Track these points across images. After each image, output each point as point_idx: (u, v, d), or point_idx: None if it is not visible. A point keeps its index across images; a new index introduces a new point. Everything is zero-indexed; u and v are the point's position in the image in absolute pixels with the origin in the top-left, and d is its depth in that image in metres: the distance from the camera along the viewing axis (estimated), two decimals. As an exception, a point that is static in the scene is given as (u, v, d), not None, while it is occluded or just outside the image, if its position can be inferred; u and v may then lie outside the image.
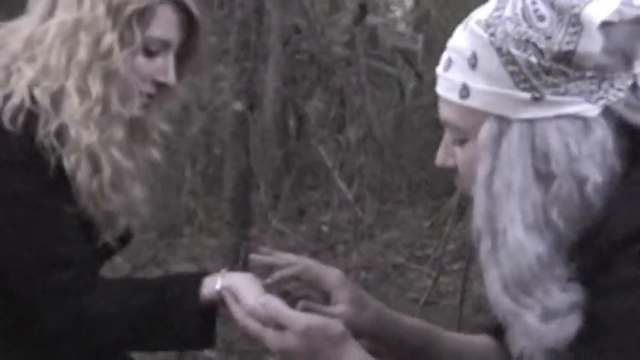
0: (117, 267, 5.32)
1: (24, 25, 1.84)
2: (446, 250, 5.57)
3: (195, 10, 1.86)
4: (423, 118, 8.21)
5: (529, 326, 1.24)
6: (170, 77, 1.85)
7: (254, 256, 1.67)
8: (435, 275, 5.38)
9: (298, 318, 1.42)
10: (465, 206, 5.70)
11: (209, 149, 7.57)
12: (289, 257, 1.67)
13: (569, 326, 1.22)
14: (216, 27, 8.11)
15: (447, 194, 6.68)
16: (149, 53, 1.82)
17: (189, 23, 1.87)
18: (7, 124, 1.72)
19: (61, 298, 1.71)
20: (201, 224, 6.80)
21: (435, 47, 8.54)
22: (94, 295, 1.72)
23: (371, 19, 7.93)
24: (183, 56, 1.90)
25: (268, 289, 1.60)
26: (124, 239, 1.92)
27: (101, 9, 1.77)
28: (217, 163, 7.12)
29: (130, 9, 1.77)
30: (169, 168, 7.03)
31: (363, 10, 7.44)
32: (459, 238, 5.93)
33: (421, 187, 7.61)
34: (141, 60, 1.81)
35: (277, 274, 1.61)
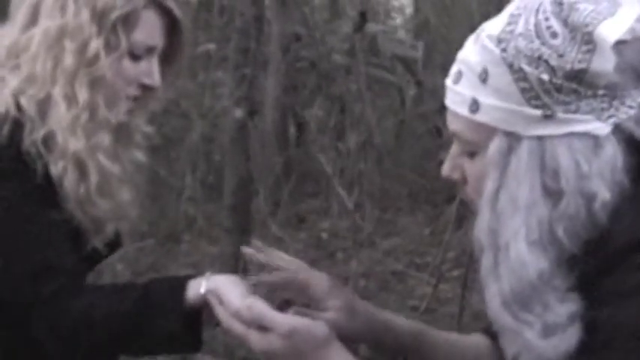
0: (117, 274, 5.33)
1: (6, 35, 1.84)
2: (445, 257, 5.58)
3: (178, 13, 1.86)
4: (422, 126, 8.22)
5: (529, 343, 1.23)
6: (155, 79, 1.85)
7: (246, 249, 1.67)
8: (435, 283, 5.39)
9: (282, 320, 1.42)
10: (464, 214, 5.70)
11: (209, 156, 7.58)
12: (282, 258, 1.66)
13: (569, 339, 1.21)
14: (217, 34, 8.13)
15: (447, 202, 6.69)
16: (134, 57, 1.83)
17: (172, 26, 1.88)
18: None
19: (50, 304, 1.71)
20: (200, 231, 6.80)
21: (435, 54, 8.56)
22: (81, 300, 1.72)
23: (371, 27, 7.94)
24: (166, 59, 1.90)
25: (256, 291, 1.59)
26: (114, 244, 1.92)
27: (85, 15, 1.77)
28: (217, 170, 7.13)
29: (114, 14, 1.77)
30: (169, 175, 7.05)
31: (363, 18, 7.46)
32: (459, 245, 5.93)
33: (421, 195, 7.62)
34: (126, 64, 1.82)
35: (264, 279, 1.60)
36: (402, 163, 7.94)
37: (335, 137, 7.96)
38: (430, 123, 7.92)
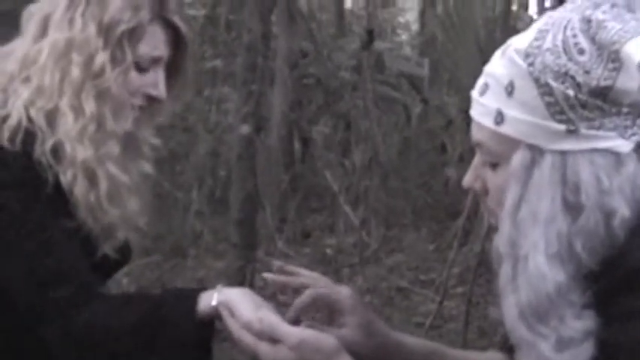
0: (123, 288, 5.34)
1: (18, 47, 1.88)
2: (450, 274, 5.57)
3: (183, 27, 1.90)
4: (428, 143, 8.22)
5: (543, 355, 1.24)
6: (161, 91, 1.89)
7: (267, 275, 1.68)
8: (440, 299, 5.39)
9: (292, 332, 1.44)
10: (469, 230, 5.71)
11: (215, 171, 7.59)
12: (302, 274, 1.67)
13: (583, 355, 1.22)
14: (223, 50, 8.15)
15: (452, 218, 6.69)
16: (140, 69, 1.86)
17: (177, 40, 1.91)
18: (5, 143, 1.75)
19: (60, 313, 1.72)
20: (207, 246, 6.81)
21: (441, 72, 8.57)
22: (92, 309, 1.74)
23: (377, 45, 7.96)
24: (171, 71, 1.94)
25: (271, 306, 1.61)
26: (125, 253, 1.94)
27: (92, 29, 1.81)
28: (224, 185, 7.14)
29: (120, 29, 1.81)
30: (175, 189, 7.06)
31: (370, 35, 7.48)
32: (464, 262, 5.93)
33: (426, 212, 7.61)
34: (132, 76, 1.85)
35: (292, 310, 1.61)
36: (408, 180, 7.94)
37: (341, 154, 7.97)
38: (436, 140, 7.93)
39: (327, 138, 8.11)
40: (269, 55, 5.75)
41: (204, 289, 1.73)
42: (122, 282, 5.50)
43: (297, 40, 7.81)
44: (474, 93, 1.34)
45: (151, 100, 1.89)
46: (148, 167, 1.98)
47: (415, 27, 11.87)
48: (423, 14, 10.60)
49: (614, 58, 1.21)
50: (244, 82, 5.25)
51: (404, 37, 12.28)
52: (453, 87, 7.63)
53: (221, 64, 7.96)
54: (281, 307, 1.63)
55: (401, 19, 13.19)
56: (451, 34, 7.03)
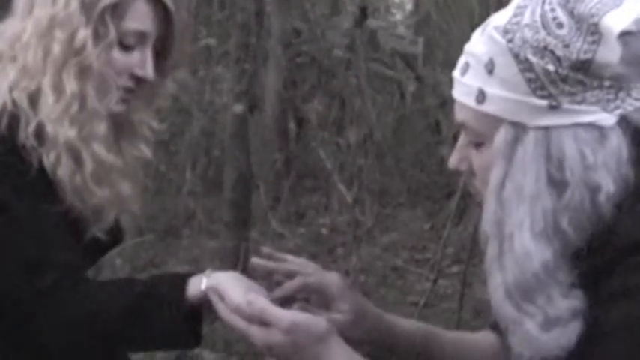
0: (116, 269, 5.33)
1: (8, 27, 1.85)
2: (445, 253, 5.57)
3: (169, 3, 1.84)
4: (422, 122, 8.22)
5: (529, 334, 1.23)
6: (148, 71, 1.84)
7: (254, 260, 1.68)
8: (434, 278, 5.39)
9: (283, 315, 1.43)
10: (464, 209, 5.71)
11: (209, 151, 7.58)
12: (290, 260, 1.67)
13: (569, 334, 1.21)
14: (217, 29, 8.13)
15: (447, 197, 6.70)
16: (125, 47, 1.81)
17: (165, 17, 1.85)
18: None
19: (47, 299, 1.70)
20: (200, 226, 6.81)
21: (435, 50, 8.56)
22: (80, 295, 1.72)
23: (371, 23, 7.94)
24: (163, 52, 1.89)
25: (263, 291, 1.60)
26: (116, 236, 1.92)
27: (75, 5, 1.77)
28: (217, 164, 7.13)
29: (102, 4, 1.77)
30: (169, 169, 7.05)
31: (363, 13, 7.45)
32: (458, 241, 5.94)
33: (420, 190, 7.62)
34: (117, 54, 1.81)
35: (279, 292, 1.61)
36: (402, 159, 7.94)
37: (335, 132, 7.96)
38: (430, 118, 7.92)
39: (320, 117, 8.10)
40: (262, 34, 5.73)
41: (192, 273, 1.72)
42: (115, 262, 5.49)
43: (291, 18, 7.78)
44: (456, 73, 1.33)
45: (138, 80, 1.85)
46: (145, 150, 1.94)
47: (409, 6, 11.83)
48: (417, -7, 10.56)
49: (593, 31, 1.20)
50: (238, 61, 5.23)
51: (398, 16, 12.24)
52: (447, 65, 7.62)
53: (215, 44, 7.94)
54: (274, 287, 1.62)
55: (395, -1, 13.16)
56: (445, 12, 7.00)
